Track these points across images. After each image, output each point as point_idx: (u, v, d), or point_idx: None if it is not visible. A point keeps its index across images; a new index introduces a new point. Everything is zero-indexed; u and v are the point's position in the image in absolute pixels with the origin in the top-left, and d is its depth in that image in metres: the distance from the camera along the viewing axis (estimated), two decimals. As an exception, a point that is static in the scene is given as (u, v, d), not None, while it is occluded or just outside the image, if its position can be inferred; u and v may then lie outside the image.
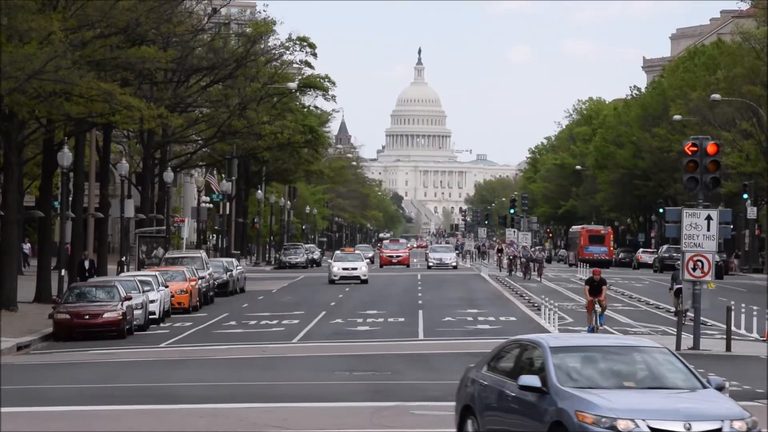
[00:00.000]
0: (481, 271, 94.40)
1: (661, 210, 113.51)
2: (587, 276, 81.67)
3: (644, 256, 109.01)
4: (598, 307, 41.57)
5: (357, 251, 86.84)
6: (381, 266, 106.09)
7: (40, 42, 44.69)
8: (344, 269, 74.71)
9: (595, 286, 41.88)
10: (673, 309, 47.66)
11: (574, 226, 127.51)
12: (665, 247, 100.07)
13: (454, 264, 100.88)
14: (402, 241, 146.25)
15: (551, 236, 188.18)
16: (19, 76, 43.30)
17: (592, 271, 43.47)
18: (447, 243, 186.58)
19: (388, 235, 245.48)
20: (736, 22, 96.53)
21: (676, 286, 45.29)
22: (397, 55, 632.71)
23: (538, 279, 79.08)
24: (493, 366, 19.16)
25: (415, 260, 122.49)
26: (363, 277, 74.09)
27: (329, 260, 79.99)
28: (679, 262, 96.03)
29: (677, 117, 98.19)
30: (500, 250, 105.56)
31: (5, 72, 43.17)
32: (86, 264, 53.21)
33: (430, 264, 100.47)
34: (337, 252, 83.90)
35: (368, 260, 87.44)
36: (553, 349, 18.07)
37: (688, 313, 38.74)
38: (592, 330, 40.70)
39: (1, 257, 50.20)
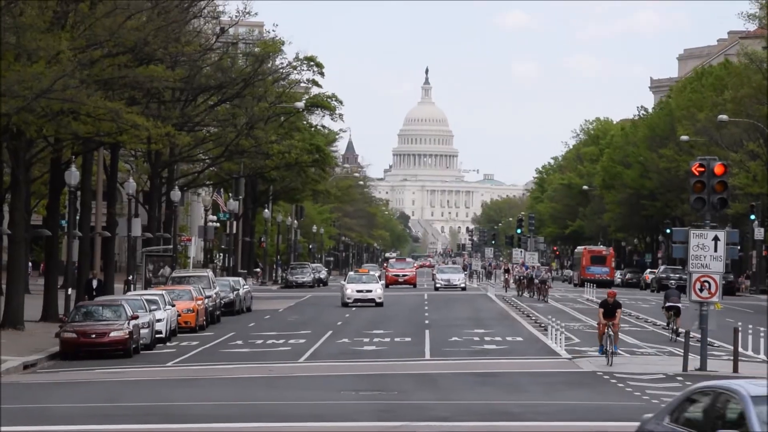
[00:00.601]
0: (488, 291, 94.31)
1: (668, 230, 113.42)
2: (594, 296, 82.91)
3: (651, 276, 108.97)
4: (610, 331, 39.06)
5: (371, 272, 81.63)
6: (387, 285, 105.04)
7: (49, 61, 44.82)
8: (358, 291, 71.42)
9: (609, 309, 39.97)
10: (664, 324, 51.67)
11: (579, 247, 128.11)
12: (662, 267, 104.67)
13: (463, 285, 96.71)
14: (408, 260, 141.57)
15: (558, 256, 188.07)
16: (27, 95, 43.40)
17: (606, 293, 41.00)
18: (455, 263, 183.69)
19: (394, 254, 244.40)
20: (743, 43, 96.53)
21: (668, 304, 48.87)
22: (405, 74, 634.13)
23: (545, 300, 78.25)
24: (677, 417, 16.66)
25: (421, 280, 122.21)
26: (378, 300, 70.82)
27: (342, 281, 76.11)
28: (672, 281, 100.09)
29: (684, 137, 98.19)
30: (507, 270, 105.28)
31: (13, 91, 43.28)
32: (94, 283, 53.28)
33: (438, 285, 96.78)
34: (351, 273, 79.89)
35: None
36: (755, 399, 15.55)
37: (692, 334, 38.63)
38: (603, 351, 38.81)
39: (8, 275, 50.25)
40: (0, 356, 38.68)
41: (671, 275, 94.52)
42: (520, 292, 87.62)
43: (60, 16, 48.20)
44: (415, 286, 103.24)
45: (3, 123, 45.46)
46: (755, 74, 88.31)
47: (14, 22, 44.59)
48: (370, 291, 71.17)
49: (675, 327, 48.13)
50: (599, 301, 77.96)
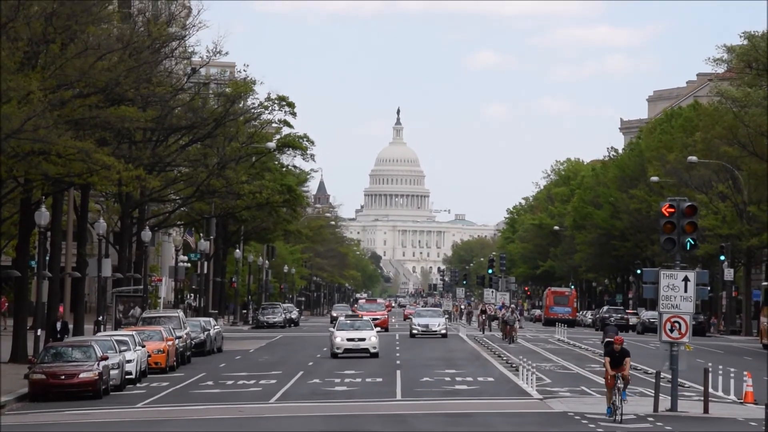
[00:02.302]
0: (459, 332, 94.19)
1: (638, 271, 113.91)
2: (564, 336, 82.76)
3: (632, 318, 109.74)
4: (619, 383, 35.01)
5: (366, 317, 69.74)
6: None
7: (19, 101, 44.76)
8: (349, 340, 61.68)
9: (616, 358, 35.68)
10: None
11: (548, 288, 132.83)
12: (605, 307, 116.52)
13: (443, 332, 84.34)
14: (380, 301, 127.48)
15: (530, 296, 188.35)
16: (-2, 135, 43.29)
17: (613, 339, 36.62)
18: (434, 305, 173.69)
19: (364, 295, 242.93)
20: (715, 83, 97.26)
21: (606, 339, 50.60)
22: (376, 114, 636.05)
23: (511, 342, 76.70)
24: None
25: (393, 320, 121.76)
26: (373, 350, 61.47)
27: (331, 328, 65.62)
28: (613, 319, 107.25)
29: (654, 178, 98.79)
30: (484, 311, 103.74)
31: (-16, 131, 43.17)
32: (57, 325, 52.65)
33: (414, 331, 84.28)
34: (341, 319, 67.14)
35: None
36: None
37: (663, 374, 38.68)
38: (612, 412, 34.55)
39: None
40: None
41: (613, 315, 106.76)
42: (485, 331, 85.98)
43: (30, 56, 48.19)
44: (386, 329, 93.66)
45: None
46: (726, 114, 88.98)
47: (-15, 62, 44.52)
48: (363, 339, 61.82)
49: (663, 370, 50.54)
50: (569, 342, 78.70)
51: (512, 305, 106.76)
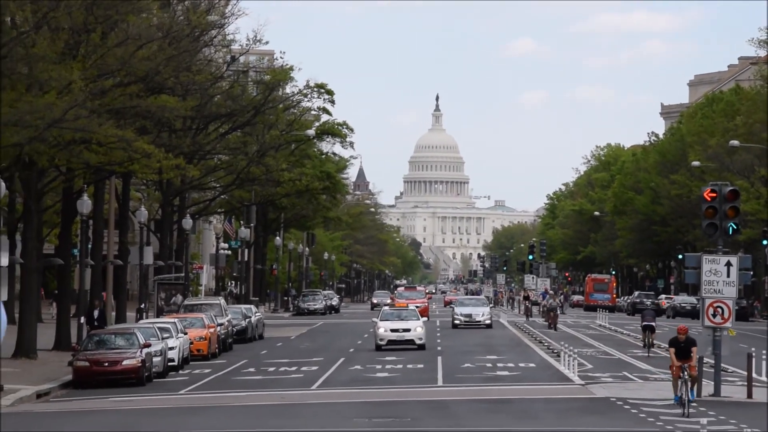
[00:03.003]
0: (500, 318, 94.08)
1: (680, 256, 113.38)
2: (606, 322, 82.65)
3: (667, 302, 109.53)
4: (686, 375, 33.36)
5: (411, 306, 65.84)
6: None
7: (60, 91, 45.01)
8: (393, 331, 58.12)
9: (681, 348, 34.10)
10: (641, 343, 57.92)
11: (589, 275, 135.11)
12: (636, 293, 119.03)
13: (488, 322, 78.40)
14: (419, 288, 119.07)
15: (570, 282, 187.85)
16: (39, 125, 43.56)
17: (677, 329, 34.92)
18: (478, 293, 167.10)
19: (404, 282, 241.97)
20: (760, 66, 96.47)
21: (644, 323, 56.25)
22: (415, 101, 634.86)
23: (552, 328, 76.07)
24: None
25: (433, 306, 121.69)
26: (419, 341, 57.80)
27: (374, 318, 62.19)
28: (646, 304, 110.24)
29: (696, 163, 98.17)
30: (527, 297, 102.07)
31: (25, 121, 43.44)
32: (96, 313, 52.90)
33: (456, 321, 78.32)
34: (385, 308, 64.25)
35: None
36: None
37: (706, 360, 38.49)
38: (679, 400, 33.19)
39: (21, 305, 50.33)
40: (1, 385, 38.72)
41: (644, 300, 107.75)
42: (550, 325, 78.88)
43: (71, 46, 48.43)
44: (427, 318, 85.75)
45: (15, 153, 45.62)
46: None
47: (26, 52, 44.81)
48: (408, 330, 58.06)
49: (650, 342, 55.47)
50: (611, 327, 78.45)
51: (551, 291, 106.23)
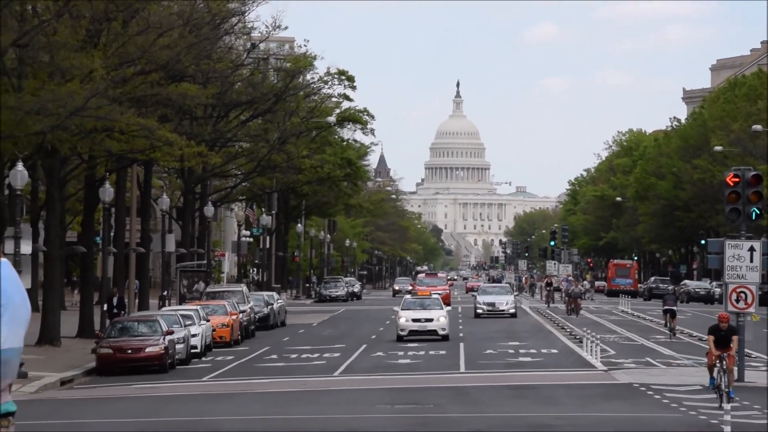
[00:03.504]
0: (522, 304, 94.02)
1: (703, 241, 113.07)
2: (629, 308, 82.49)
3: (693, 287, 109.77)
4: (724, 365, 31.26)
5: (434, 295, 62.62)
6: None
7: (82, 79, 45.12)
8: (414, 321, 55.19)
9: (721, 337, 31.69)
10: (664, 327, 58.71)
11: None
12: (653, 278, 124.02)
13: (512, 311, 74.26)
14: (440, 275, 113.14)
15: (592, 267, 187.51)
16: (61, 113, 43.69)
17: (717, 317, 32.64)
18: (500, 280, 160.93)
19: (425, 268, 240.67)
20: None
21: (665, 307, 57.44)
22: (436, 87, 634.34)
23: (572, 314, 75.43)
24: None
25: (455, 293, 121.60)
26: (442, 332, 54.77)
27: (395, 307, 59.30)
28: (669, 287, 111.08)
29: (718, 148, 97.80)
30: (549, 284, 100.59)
31: (47, 109, 43.58)
32: (114, 301, 52.96)
33: (479, 311, 74.53)
34: (406, 297, 61.39)
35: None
36: None
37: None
38: (715, 385, 31.15)
39: (45, 292, 50.53)
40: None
41: (660, 285, 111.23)
42: (570, 311, 77.72)
43: (93, 34, 48.53)
44: (449, 305, 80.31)
45: (37, 141, 45.77)
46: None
47: (48, 41, 44.92)
48: (431, 320, 55.06)
49: (672, 326, 56.42)
50: (633, 313, 78.27)
51: (572, 278, 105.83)
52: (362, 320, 73.94)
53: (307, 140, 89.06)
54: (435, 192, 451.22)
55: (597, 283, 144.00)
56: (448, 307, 58.78)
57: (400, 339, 55.02)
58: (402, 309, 56.46)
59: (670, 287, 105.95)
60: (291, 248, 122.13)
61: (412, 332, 54.92)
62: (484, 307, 74.47)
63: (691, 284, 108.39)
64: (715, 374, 31.30)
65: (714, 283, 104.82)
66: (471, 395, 34.44)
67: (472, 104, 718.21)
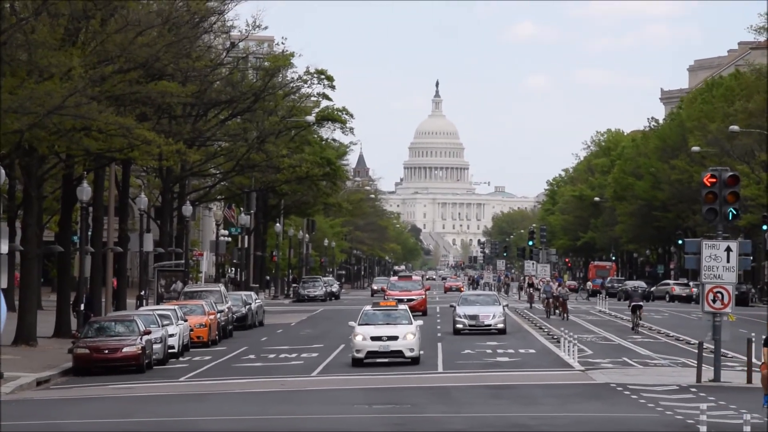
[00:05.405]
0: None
1: (680, 241, 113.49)
2: (606, 308, 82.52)
3: (677, 288, 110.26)
4: None
5: (401, 307, 47.41)
6: None
7: (60, 78, 44.97)
8: (374, 339, 43.45)
9: None
10: (634, 322, 61.53)
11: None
12: (608, 279, 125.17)
13: (501, 326, 58.89)
14: (415, 278, 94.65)
15: (570, 267, 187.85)
16: (39, 112, 43.55)
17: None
18: (479, 280, 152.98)
19: (402, 267, 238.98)
20: (751, 55, 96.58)
21: (632, 304, 61.91)
22: (415, 87, 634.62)
23: (564, 318, 71.58)
24: None
25: (433, 292, 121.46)
26: (409, 353, 43.51)
27: (352, 323, 45.30)
28: (637, 287, 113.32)
29: (696, 148, 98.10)
30: (531, 284, 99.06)
31: (25, 107, 43.42)
32: (84, 299, 52.46)
33: (459, 326, 59.35)
34: (366, 308, 46.28)
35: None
36: None
37: (706, 345, 38.53)
38: None
39: (21, 292, 50.34)
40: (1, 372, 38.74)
41: (635, 286, 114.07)
42: (549, 314, 74.80)
43: (71, 33, 48.38)
44: (425, 313, 74.40)
45: (15, 139, 45.60)
46: (766, 84, 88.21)
47: (26, 39, 44.75)
48: (395, 338, 43.55)
49: (637, 321, 60.61)
50: (611, 313, 78.34)
51: (551, 280, 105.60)
52: (340, 320, 73.90)
53: (286, 139, 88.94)
54: (414, 192, 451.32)
55: (569, 283, 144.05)
56: (420, 322, 47.02)
57: (357, 363, 43.27)
58: (359, 324, 44.15)
59: (633, 288, 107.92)
60: (270, 248, 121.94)
61: (371, 354, 43.33)
62: (465, 322, 59.46)
63: (677, 287, 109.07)
64: None
65: (692, 283, 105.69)
66: (449, 395, 34.48)
67: (452, 104, 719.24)
